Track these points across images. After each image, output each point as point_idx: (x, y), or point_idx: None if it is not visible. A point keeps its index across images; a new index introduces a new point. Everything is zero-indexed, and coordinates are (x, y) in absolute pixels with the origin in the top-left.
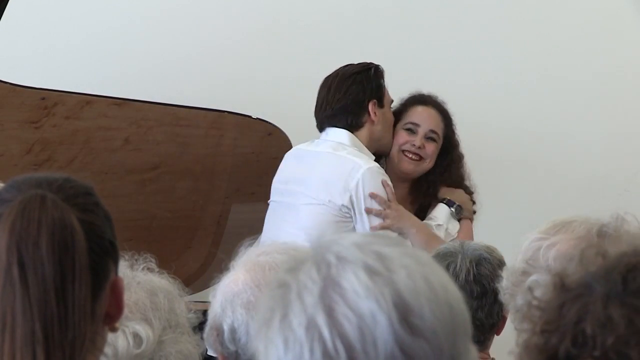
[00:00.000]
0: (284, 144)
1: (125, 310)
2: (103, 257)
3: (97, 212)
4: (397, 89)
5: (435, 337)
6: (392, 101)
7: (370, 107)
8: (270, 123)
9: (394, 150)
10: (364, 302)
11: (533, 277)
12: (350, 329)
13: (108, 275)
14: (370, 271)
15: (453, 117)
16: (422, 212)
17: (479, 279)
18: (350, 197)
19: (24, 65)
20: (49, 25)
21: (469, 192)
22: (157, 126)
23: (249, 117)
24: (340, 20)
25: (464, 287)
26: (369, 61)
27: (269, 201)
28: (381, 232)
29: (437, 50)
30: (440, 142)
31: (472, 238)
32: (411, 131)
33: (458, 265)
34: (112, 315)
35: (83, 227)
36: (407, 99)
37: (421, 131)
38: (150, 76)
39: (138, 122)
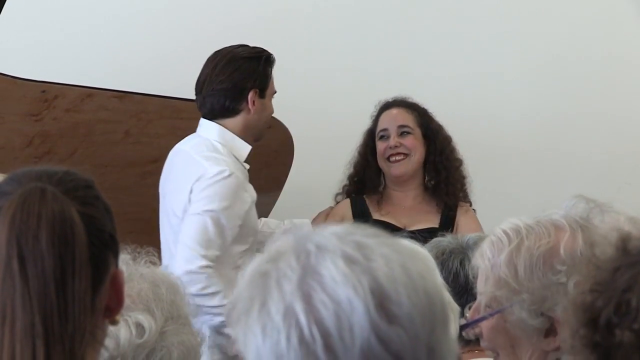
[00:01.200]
0: (284, 137)
1: (128, 301)
2: (103, 250)
3: (97, 205)
4: (395, 87)
5: (412, 324)
6: (275, 92)
7: (251, 95)
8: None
9: (381, 164)
10: (341, 289)
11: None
12: (327, 315)
13: (108, 268)
14: (349, 259)
15: (425, 107)
16: (450, 212)
17: None
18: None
19: (25, 58)
20: (49, 17)
21: (463, 176)
22: (158, 119)
23: None
24: (340, 16)
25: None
26: (262, 48)
27: None
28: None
29: (434, 46)
30: (418, 131)
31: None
32: (384, 137)
33: (472, 261)
34: (113, 308)
35: (83, 220)
36: (375, 112)
37: (391, 132)
38: (150, 69)
39: (138, 115)
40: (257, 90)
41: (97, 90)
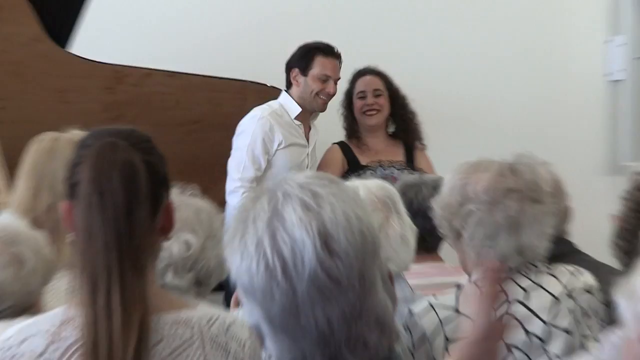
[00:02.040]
0: None
1: (178, 224)
2: (159, 187)
3: (154, 154)
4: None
5: (347, 257)
6: (323, 76)
7: (292, 73)
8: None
9: (358, 115)
10: (297, 230)
11: (469, 207)
12: (285, 249)
13: (162, 200)
14: (305, 206)
15: (387, 74)
16: (410, 149)
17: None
18: None
19: (104, 46)
20: (121, 14)
21: (418, 124)
22: (199, 92)
23: (265, 85)
24: (344, 14)
25: (428, 208)
26: (327, 43)
27: None
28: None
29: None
30: (386, 93)
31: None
32: (362, 97)
33: (422, 195)
34: (166, 229)
35: (144, 165)
36: (352, 77)
37: (368, 94)
38: (192, 54)
39: (185, 88)
40: (298, 69)
41: (155, 70)
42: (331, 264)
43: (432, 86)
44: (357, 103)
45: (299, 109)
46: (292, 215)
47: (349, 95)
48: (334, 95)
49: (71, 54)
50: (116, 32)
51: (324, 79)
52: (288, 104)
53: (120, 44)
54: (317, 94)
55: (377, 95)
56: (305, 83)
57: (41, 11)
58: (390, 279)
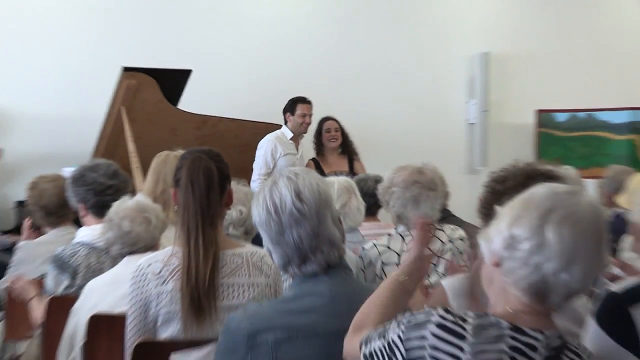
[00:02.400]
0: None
1: (235, 201)
2: (224, 180)
3: (222, 163)
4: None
5: (309, 203)
6: (302, 114)
7: (286, 114)
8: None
9: (325, 141)
10: (283, 190)
11: (393, 189)
12: (276, 199)
13: (226, 188)
14: (289, 179)
15: (338, 120)
16: (352, 162)
17: (376, 189)
18: None
19: (195, 102)
20: (204, 85)
21: (355, 147)
22: (247, 129)
23: (279, 125)
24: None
25: (373, 193)
26: (303, 97)
27: None
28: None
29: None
30: (340, 130)
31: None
32: (328, 131)
33: (368, 185)
34: (228, 204)
35: (216, 169)
36: (320, 121)
37: (332, 129)
38: (245, 107)
39: (239, 127)
40: (289, 112)
41: (224, 117)
42: (300, 206)
43: (364, 125)
44: (325, 135)
45: (292, 134)
46: (282, 183)
47: (318, 130)
48: (310, 124)
49: (178, 108)
50: (201, 94)
51: (303, 115)
52: (285, 132)
53: (204, 102)
54: (300, 124)
55: (336, 131)
56: (294, 119)
57: (162, 85)
58: (339, 221)
